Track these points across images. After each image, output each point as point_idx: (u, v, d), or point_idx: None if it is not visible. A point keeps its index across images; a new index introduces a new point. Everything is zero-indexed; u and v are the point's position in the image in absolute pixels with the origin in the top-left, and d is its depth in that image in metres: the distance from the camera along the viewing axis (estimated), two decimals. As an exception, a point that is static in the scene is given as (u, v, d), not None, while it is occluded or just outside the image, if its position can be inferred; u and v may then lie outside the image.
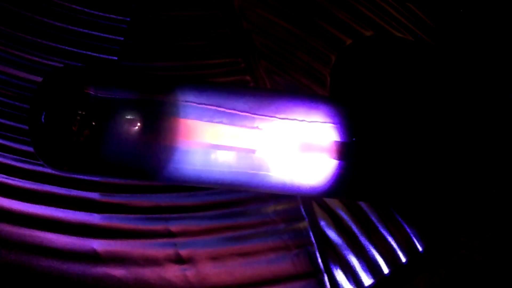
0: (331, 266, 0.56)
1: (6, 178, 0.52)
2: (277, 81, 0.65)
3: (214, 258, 0.53)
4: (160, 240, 0.53)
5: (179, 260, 0.52)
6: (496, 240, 0.57)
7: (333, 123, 0.50)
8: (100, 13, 0.64)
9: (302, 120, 0.49)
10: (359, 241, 0.57)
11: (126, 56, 0.63)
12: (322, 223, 0.57)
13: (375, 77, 0.64)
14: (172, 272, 0.52)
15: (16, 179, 0.52)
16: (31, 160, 0.53)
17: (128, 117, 0.43)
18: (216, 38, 0.67)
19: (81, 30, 0.63)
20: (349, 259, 0.56)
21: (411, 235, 0.58)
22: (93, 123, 0.42)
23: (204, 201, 0.56)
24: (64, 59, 0.60)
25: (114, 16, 0.65)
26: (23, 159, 0.53)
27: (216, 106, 0.46)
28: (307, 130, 0.49)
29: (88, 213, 0.52)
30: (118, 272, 0.51)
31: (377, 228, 0.58)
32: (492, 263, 0.56)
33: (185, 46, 0.65)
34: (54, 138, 0.43)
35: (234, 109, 0.47)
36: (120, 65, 0.62)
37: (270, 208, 0.57)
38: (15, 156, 0.53)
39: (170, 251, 0.53)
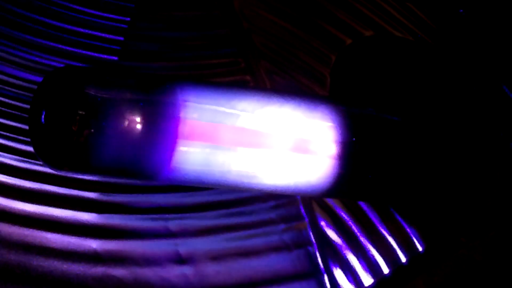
0: (331, 266, 0.56)
1: (6, 178, 0.52)
2: (277, 81, 0.65)
3: (214, 258, 0.53)
4: (160, 240, 0.53)
5: (179, 260, 0.52)
6: (496, 240, 0.57)
7: (333, 123, 0.50)
8: (100, 13, 0.64)
9: (302, 120, 0.49)
10: (359, 241, 0.57)
11: (126, 56, 0.63)
12: (322, 223, 0.57)
13: (375, 77, 0.64)
14: (172, 272, 0.52)
15: (16, 179, 0.52)
16: (31, 160, 0.53)
17: (128, 117, 0.43)
18: (216, 38, 0.67)
19: (81, 30, 0.63)
20: (349, 259, 0.56)
21: (411, 235, 0.58)
22: (93, 123, 0.42)
23: (204, 201, 0.56)
24: (64, 59, 0.60)
25: (114, 16, 0.65)
26: (23, 159, 0.53)
27: (216, 106, 0.46)
28: (307, 130, 0.49)
29: (88, 213, 0.52)
30: (118, 272, 0.51)
31: (377, 228, 0.58)
32: (492, 263, 0.56)
33: (185, 46, 0.65)
34: (54, 138, 0.43)
35: (234, 109, 0.47)
36: (120, 65, 0.62)
37: (270, 208, 0.57)
38: (15, 156, 0.53)
39: (170, 251, 0.53)
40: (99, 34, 0.63)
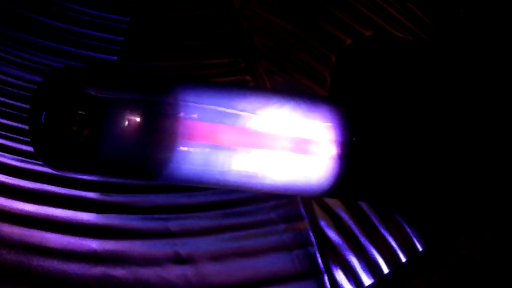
0: (331, 266, 0.56)
1: (6, 178, 0.52)
2: (277, 81, 0.65)
3: (214, 258, 0.53)
4: (160, 240, 0.53)
5: (179, 260, 0.52)
6: (496, 240, 0.57)
7: (333, 123, 0.50)
8: (100, 13, 0.64)
9: (302, 120, 0.49)
10: (359, 241, 0.57)
11: (126, 56, 0.63)
12: (322, 223, 0.57)
13: (375, 77, 0.64)
14: (172, 272, 0.52)
15: (16, 179, 0.52)
16: (31, 160, 0.53)
17: (128, 117, 0.43)
18: (216, 38, 0.67)
19: (81, 30, 0.63)
20: (349, 259, 0.56)
21: (411, 235, 0.58)
22: (93, 123, 0.42)
23: (204, 201, 0.56)
24: (64, 59, 0.60)
25: (114, 16, 0.65)
26: (23, 159, 0.53)
27: (216, 106, 0.46)
28: (307, 130, 0.49)
29: (88, 213, 0.52)
30: (118, 272, 0.51)
31: (377, 228, 0.58)
32: (492, 263, 0.57)
33: (185, 46, 0.65)
34: (54, 138, 0.43)
35: (234, 109, 0.47)
36: (120, 65, 0.62)
37: (270, 208, 0.57)
38: (15, 156, 0.53)
39: (170, 251, 0.53)
40: (99, 34, 0.63)
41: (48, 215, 0.51)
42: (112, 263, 0.51)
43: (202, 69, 0.64)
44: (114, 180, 0.54)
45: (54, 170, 0.45)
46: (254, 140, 0.47)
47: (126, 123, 0.43)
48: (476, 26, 0.70)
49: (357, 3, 0.71)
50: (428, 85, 0.62)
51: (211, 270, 0.53)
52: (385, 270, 0.57)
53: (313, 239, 0.56)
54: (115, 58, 0.62)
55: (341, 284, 0.55)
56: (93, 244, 0.51)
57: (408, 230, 0.58)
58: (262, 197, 0.57)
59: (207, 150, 0.46)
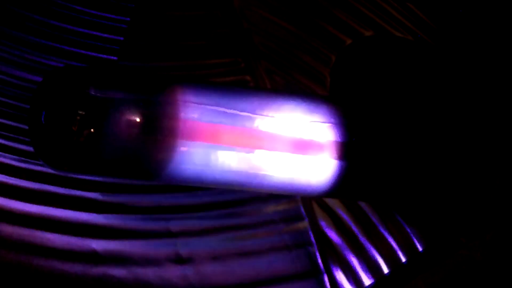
0: (331, 266, 0.56)
1: (6, 178, 0.52)
2: (277, 81, 0.65)
3: (214, 258, 0.53)
4: (160, 240, 0.53)
5: (179, 260, 0.52)
6: (496, 240, 0.57)
7: (333, 123, 0.50)
8: (100, 13, 0.64)
9: (302, 120, 0.49)
10: (359, 241, 0.57)
11: (126, 56, 0.63)
12: (322, 223, 0.57)
13: (375, 77, 0.64)
14: (172, 272, 0.52)
15: (16, 179, 0.52)
16: (31, 160, 0.53)
17: (128, 117, 0.43)
18: (216, 38, 0.67)
19: (81, 30, 0.63)
20: (349, 259, 0.56)
21: (411, 235, 0.58)
22: (93, 123, 0.42)
23: (204, 201, 0.56)
24: (64, 59, 0.60)
25: (114, 16, 0.65)
26: (23, 159, 0.53)
27: (216, 106, 0.46)
28: (307, 130, 0.49)
29: (88, 213, 0.52)
30: (118, 272, 0.51)
31: (377, 228, 0.58)
32: (492, 263, 0.57)
33: (185, 46, 0.65)
34: (54, 138, 0.43)
35: (234, 109, 0.47)
36: (120, 65, 0.62)
37: (270, 208, 0.57)
38: (15, 156, 0.53)
39: (170, 251, 0.53)
40: (99, 34, 0.63)
41: (48, 215, 0.51)
42: (112, 263, 0.51)
43: (202, 69, 0.64)
44: (114, 180, 0.54)
45: (54, 170, 0.45)
46: (254, 140, 0.47)
47: (126, 123, 0.43)
48: (476, 26, 0.70)
49: (357, 3, 0.72)
50: (428, 85, 0.62)
51: (211, 270, 0.53)
52: (385, 270, 0.57)
53: (313, 239, 0.56)
54: (115, 58, 0.62)
55: (341, 284, 0.55)
56: (93, 244, 0.51)
57: (408, 230, 0.58)
58: (262, 197, 0.57)
59: (207, 150, 0.46)
